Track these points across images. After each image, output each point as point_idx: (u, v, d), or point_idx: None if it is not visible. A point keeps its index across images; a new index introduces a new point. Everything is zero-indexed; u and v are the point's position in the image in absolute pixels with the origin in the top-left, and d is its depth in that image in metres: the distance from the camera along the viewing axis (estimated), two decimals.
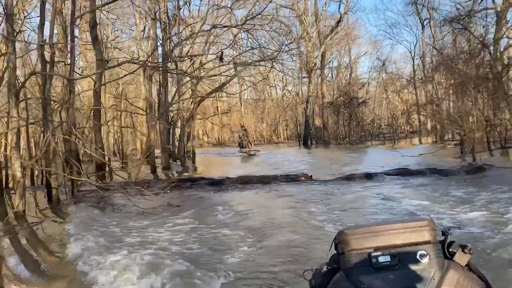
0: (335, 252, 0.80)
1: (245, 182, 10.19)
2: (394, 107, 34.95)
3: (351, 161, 15.07)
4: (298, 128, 35.40)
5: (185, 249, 4.77)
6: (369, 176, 10.17)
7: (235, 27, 17.51)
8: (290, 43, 22.61)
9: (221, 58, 15.55)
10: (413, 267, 0.72)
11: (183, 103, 18.80)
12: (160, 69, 12.98)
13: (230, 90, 29.47)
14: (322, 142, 29.98)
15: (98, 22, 11.76)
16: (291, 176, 10.92)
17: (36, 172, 10.41)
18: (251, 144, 24.07)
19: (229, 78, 20.63)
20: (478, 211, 5.81)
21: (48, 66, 8.90)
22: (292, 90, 37.69)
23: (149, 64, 10.90)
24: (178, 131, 19.37)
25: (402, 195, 7.55)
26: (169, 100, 17.50)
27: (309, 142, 29.68)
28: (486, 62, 13.99)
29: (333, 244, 0.81)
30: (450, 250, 0.76)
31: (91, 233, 5.37)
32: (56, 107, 8.77)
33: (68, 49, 9.86)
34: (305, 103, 31.75)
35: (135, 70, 11.48)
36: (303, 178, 10.62)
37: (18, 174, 7.58)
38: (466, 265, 0.75)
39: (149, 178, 11.60)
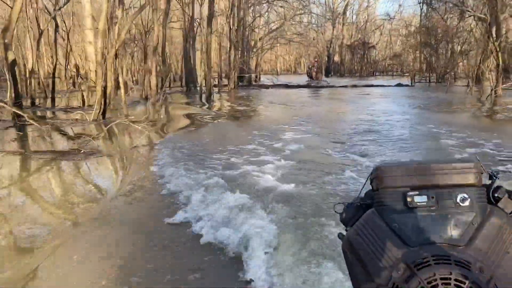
0: (370, 188, 0.82)
1: (294, 86, 26.11)
2: (400, 50, 49.30)
3: (356, 83, 30.52)
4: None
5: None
6: (367, 87, 26.06)
7: None
8: None
9: None
10: (451, 210, 0.72)
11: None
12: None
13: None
14: (339, 75, 45.20)
15: None
16: (319, 85, 26.84)
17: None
18: (319, 76, 31.98)
19: (281, 24, 35.56)
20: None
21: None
22: (319, 27, 51.65)
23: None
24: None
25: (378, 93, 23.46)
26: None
27: (329, 74, 44.93)
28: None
29: (368, 179, 0.83)
30: (496, 195, 0.74)
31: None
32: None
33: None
34: (329, 43, 46.38)
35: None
36: (326, 84, 26.50)
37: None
38: None
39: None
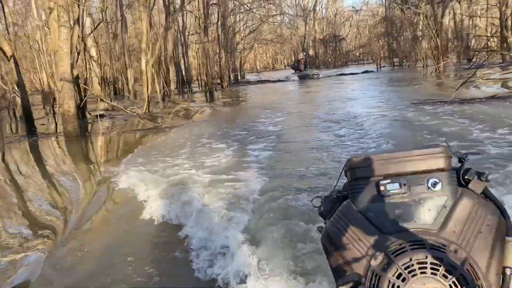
0: (346, 180, 0.85)
1: (277, 80, 30.81)
2: (366, 39, 54.62)
3: (334, 72, 35.41)
4: (294, 57, 55.30)
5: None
6: (336, 76, 30.81)
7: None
8: None
9: None
10: (424, 195, 0.76)
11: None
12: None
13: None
14: (314, 67, 50.14)
15: None
16: (303, 75, 31.56)
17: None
18: (302, 68, 35.91)
19: (257, 22, 40.18)
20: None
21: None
22: (293, 26, 56.59)
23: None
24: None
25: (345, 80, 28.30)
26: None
27: (306, 67, 49.82)
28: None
29: (343, 171, 0.86)
30: (466, 177, 0.79)
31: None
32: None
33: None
34: (303, 38, 51.33)
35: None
36: (311, 76, 31.28)
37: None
38: (482, 192, 0.79)
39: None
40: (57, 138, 10.85)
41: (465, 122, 7.57)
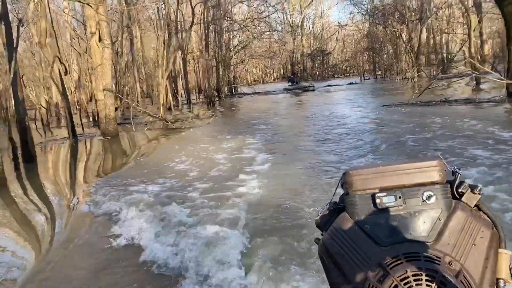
0: (343, 192, 0.86)
1: (273, 92, 33.89)
2: (351, 53, 58.29)
3: (321, 84, 38.60)
4: (283, 71, 58.86)
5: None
6: (324, 87, 33.96)
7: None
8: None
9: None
10: (419, 207, 0.78)
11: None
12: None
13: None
14: (302, 80, 53.49)
15: None
16: (299, 88, 34.64)
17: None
18: (298, 80, 38.52)
19: (249, 39, 43.42)
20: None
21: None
22: (281, 41, 60.11)
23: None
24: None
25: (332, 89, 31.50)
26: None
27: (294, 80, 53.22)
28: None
29: (340, 184, 0.87)
30: (459, 190, 0.80)
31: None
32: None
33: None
34: (291, 53, 54.82)
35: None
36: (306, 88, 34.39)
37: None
38: (476, 205, 0.81)
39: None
40: (100, 137, 13.61)
41: (415, 115, 10.63)
